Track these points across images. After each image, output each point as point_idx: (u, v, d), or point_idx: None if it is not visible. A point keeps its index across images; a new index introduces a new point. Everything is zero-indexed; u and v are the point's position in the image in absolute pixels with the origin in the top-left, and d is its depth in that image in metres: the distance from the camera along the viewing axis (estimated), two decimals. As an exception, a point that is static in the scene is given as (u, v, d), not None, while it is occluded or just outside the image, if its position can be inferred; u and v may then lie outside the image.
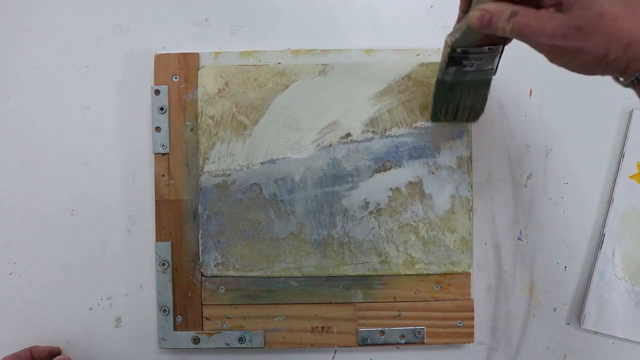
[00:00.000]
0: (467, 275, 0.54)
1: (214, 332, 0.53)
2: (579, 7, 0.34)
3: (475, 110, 0.50)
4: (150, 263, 0.54)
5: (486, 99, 0.49)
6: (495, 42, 0.42)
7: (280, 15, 0.55)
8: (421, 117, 0.53)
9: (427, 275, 0.53)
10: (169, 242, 0.53)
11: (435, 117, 0.52)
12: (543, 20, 0.35)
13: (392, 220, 0.53)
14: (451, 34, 0.42)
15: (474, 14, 0.38)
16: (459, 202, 0.53)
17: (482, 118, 0.55)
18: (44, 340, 0.55)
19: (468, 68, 0.44)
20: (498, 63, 0.45)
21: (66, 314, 0.55)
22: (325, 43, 0.55)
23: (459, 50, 0.42)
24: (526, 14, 0.36)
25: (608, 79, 0.59)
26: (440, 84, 0.47)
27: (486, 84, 0.47)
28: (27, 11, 0.55)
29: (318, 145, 0.53)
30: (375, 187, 0.53)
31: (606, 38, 0.33)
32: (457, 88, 0.47)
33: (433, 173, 0.53)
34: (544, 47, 0.37)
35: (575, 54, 0.35)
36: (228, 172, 0.52)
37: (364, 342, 0.53)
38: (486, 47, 0.42)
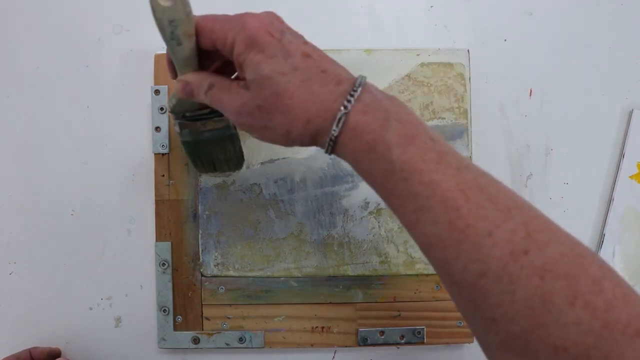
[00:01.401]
0: (467, 275, 0.54)
1: (214, 332, 0.53)
2: (257, 86, 0.34)
3: (232, 162, 0.50)
4: (150, 263, 0.54)
5: (240, 151, 0.49)
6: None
7: (279, 15, 0.55)
8: (421, 117, 0.53)
9: (427, 275, 0.53)
10: (169, 242, 0.53)
11: (198, 170, 0.51)
12: (232, 97, 0.36)
13: (392, 220, 0.53)
14: (169, 101, 0.43)
15: (177, 85, 0.38)
16: (459, 202, 0.53)
17: (481, 117, 0.56)
18: (44, 340, 0.55)
19: (201, 128, 0.44)
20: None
21: (66, 314, 0.55)
22: (325, 43, 0.55)
23: (183, 114, 0.42)
24: (220, 88, 0.36)
25: (608, 79, 0.59)
26: (183, 143, 0.46)
27: (230, 138, 0.46)
28: (27, 11, 0.55)
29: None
30: (375, 187, 0.53)
31: (286, 117, 0.34)
32: (201, 146, 0.46)
33: (433, 173, 0.53)
34: (235, 122, 0.37)
35: (262, 131, 0.36)
36: (228, 172, 0.52)
37: (364, 342, 0.53)
38: (206, 111, 0.42)
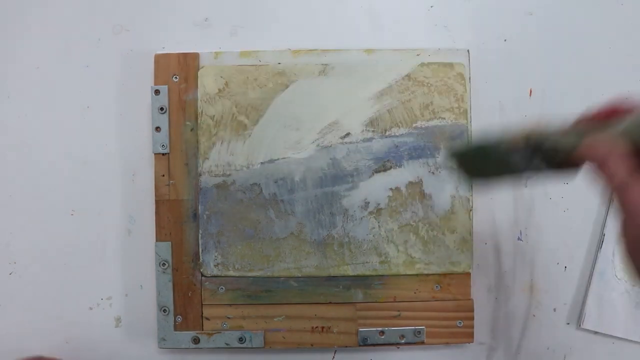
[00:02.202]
0: (467, 275, 0.54)
1: (214, 332, 0.53)
2: None
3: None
4: (150, 263, 0.54)
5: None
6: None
7: (280, 15, 0.55)
8: (421, 117, 0.53)
9: (427, 275, 0.53)
10: (169, 242, 0.53)
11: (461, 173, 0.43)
12: None
13: (392, 220, 0.53)
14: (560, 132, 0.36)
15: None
16: (459, 202, 0.53)
17: (481, 118, 0.56)
18: (44, 340, 0.55)
19: (539, 164, 0.37)
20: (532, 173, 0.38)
21: (66, 314, 0.55)
22: (325, 43, 0.55)
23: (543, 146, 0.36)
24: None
25: (609, 78, 0.59)
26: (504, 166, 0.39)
27: (519, 177, 0.39)
28: (27, 11, 0.55)
29: (318, 145, 0.53)
30: (375, 187, 0.53)
31: None
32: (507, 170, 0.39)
33: (433, 173, 0.53)
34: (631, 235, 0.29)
35: None
36: (228, 172, 0.52)
37: (364, 342, 0.53)
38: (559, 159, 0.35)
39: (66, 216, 0.55)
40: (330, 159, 0.53)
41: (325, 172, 0.53)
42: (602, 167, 0.30)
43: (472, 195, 0.53)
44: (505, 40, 0.56)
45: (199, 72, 0.53)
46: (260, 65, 0.53)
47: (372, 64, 0.53)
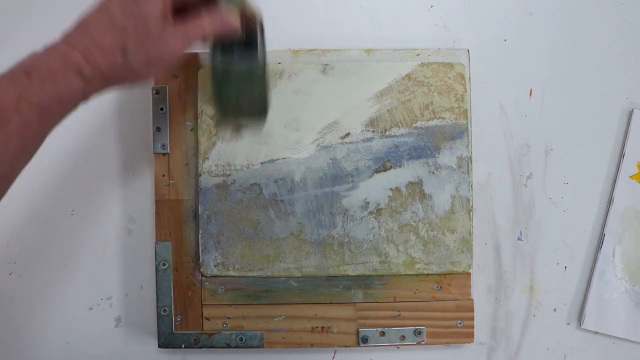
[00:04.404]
0: (467, 275, 0.54)
1: (214, 332, 0.53)
2: None
3: (256, 107, 0.48)
4: (150, 263, 0.54)
5: (265, 97, 0.47)
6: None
7: (280, 15, 0.55)
8: (421, 117, 0.53)
9: (427, 275, 0.53)
10: (169, 242, 0.53)
11: (221, 117, 0.48)
12: None
13: (392, 220, 0.53)
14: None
15: (229, 17, 0.41)
16: (459, 202, 0.53)
17: (481, 117, 0.56)
18: (44, 340, 0.55)
19: (234, 58, 0.44)
20: (264, 50, 0.45)
21: (66, 314, 0.55)
22: (325, 43, 0.55)
23: (220, 44, 0.43)
24: None
25: (608, 79, 0.59)
26: (213, 76, 0.45)
27: (260, 77, 0.46)
28: (27, 11, 0.55)
29: (318, 145, 0.53)
30: (375, 187, 0.53)
31: None
32: (230, 79, 0.45)
33: (433, 173, 0.53)
34: None
35: None
36: (228, 172, 0.52)
37: (364, 342, 0.53)
38: (242, 43, 0.44)
39: (66, 216, 0.55)
40: (330, 159, 0.53)
41: (325, 172, 0.53)
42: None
43: (472, 195, 0.53)
44: (505, 40, 0.56)
45: (199, 72, 0.53)
46: (260, 65, 0.53)
47: (372, 64, 0.53)
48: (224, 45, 0.44)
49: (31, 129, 0.35)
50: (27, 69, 0.35)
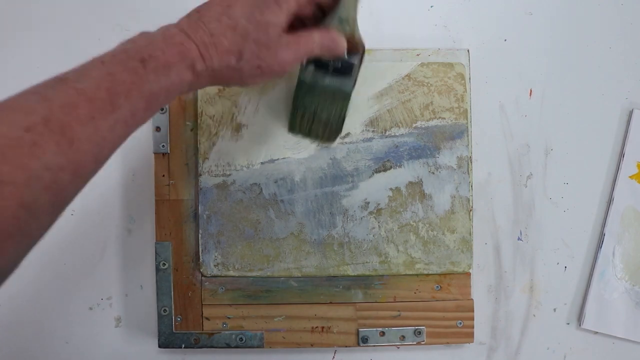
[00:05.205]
0: (467, 275, 0.54)
1: (214, 332, 0.53)
2: None
3: (331, 127, 0.49)
4: (150, 263, 0.54)
5: (342, 120, 0.49)
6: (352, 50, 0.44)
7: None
8: (421, 117, 0.53)
9: (427, 275, 0.53)
10: (169, 242, 0.53)
11: (292, 126, 0.50)
12: None
13: (392, 220, 0.53)
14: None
15: (337, 38, 0.42)
16: (459, 202, 0.53)
17: (481, 117, 0.56)
18: (44, 340, 0.55)
19: (326, 74, 0.46)
20: (356, 78, 0.47)
21: (66, 314, 0.55)
22: (325, 43, 0.55)
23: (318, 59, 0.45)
24: None
25: (608, 79, 0.59)
26: (299, 84, 0.47)
27: (344, 98, 0.47)
28: (27, 11, 0.55)
29: (318, 145, 0.53)
30: (375, 187, 0.53)
31: None
32: (315, 92, 0.47)
33: (433, 173, 0.53)
34: None
35: None
36: (228, 172, 0.52)
37: (364, 342, 0.53)
38: (338, 64, 0.46)
39: (66, 216, 0.55)
40: (330, 159, 0.53)
41: (325, 172, 0.53)
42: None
43: (472, 195, 0.53)
44: (505, 40, 0.56)
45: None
46: (260, 65, 0.53)
47: (372, 64, 0.53)
48: (320, 60, 0.45)
49: (137, 117, 0.34)
50: (143, 56, 0.34)
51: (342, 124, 0.49)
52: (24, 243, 0.31)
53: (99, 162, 0.34)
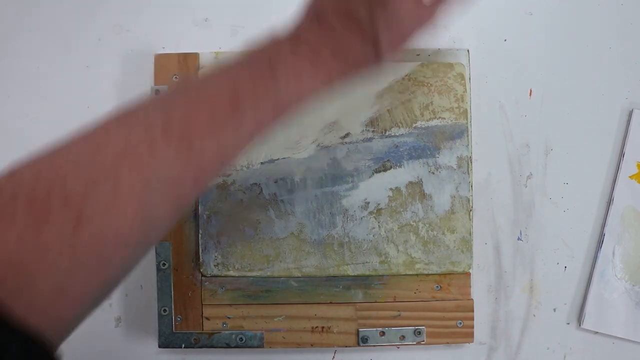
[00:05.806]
0: (467, 275, 0.54)
1: (214, 332, 0.53)
2: None
3: None
4: (150, 263, 0.54)
5: None
6: None
7: (280, 15, 0.55)
8: (421, 117, 0.53)
9: (427, 275, 0.53)
10: (169, 242, 0.53)
11: None
12: None
13: (392, 220, 0.53)
14: None
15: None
16: (459, 202, 0.53)
17: (481, 117, 0.55)
18: (44, 340, 0.55)
19: None
20: None
21: (66, 314, 0.55)
22: (325, 43, 0.55)
23: None
24: None
25: (608, 79, 0.59)
26: None
27: None
28: (27, 11, 0.55)
29: (318, 145, 0.53)
30: (375, 187, 0.53)
31: None
32: None
33: (433, 173, 0.53)
34: None
35: None
36: (228, 172, 0.52)
37: (364, 342, 0.53)
38: None
39: (66, 216, 0.55)
40: (330, 159, 0.53)
41: (325, 172, 0.53)
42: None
43: (472, 195, 0.53)
44: (505, 40, 0.56)
45: (199, 73, 0.53)
46: (260, 65, 0.53)
47: (372, 64, 0.53)
48: None
49: (262, 124, 0.33)
50: (272, 64, 0.32)
51: None
52: (139, 251, 0.30)
53: (220, 169, 0.33)
